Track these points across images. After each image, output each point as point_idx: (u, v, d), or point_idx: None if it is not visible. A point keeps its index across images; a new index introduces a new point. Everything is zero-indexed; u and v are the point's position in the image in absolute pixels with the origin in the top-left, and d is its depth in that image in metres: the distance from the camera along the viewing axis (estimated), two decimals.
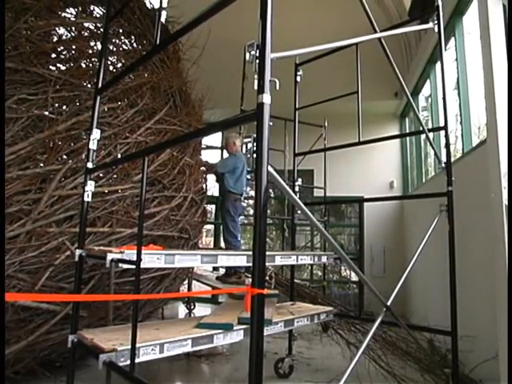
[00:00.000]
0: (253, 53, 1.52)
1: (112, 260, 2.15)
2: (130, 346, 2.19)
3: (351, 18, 6.46)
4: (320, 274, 7.51)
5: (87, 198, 2.57)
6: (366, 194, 6.86)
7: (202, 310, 6.61)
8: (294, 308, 3.64)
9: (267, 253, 3.17)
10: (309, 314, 3.42)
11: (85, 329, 2.56)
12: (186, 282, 5.19)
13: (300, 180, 5.99)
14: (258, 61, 1.49)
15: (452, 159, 3.42)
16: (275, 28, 1.53)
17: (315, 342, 5.00)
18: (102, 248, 2.48)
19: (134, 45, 3.85)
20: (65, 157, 3.01)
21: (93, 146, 2.63)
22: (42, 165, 2.87)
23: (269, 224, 8.40)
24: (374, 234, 7.26)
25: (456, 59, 4.47)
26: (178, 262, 2.42)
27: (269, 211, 8.40)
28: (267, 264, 3.43)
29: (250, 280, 1.34)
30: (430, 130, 3.32)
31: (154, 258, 2.27)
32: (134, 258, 2.21)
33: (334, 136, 6.17)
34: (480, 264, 3.75)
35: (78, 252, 2.52)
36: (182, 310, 6.91)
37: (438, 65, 5.45)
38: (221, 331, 2.68)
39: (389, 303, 2.85)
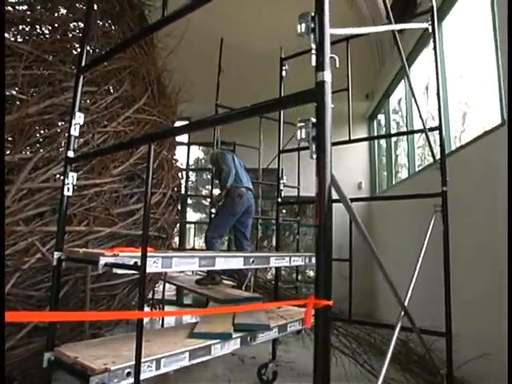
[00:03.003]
0: (304, 26, 1.26)
1: (106, 265, 1.80)
2: (123, 365, 1.86)
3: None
4: (284, 274, 7.35)
5: (67, 191, 2.18)
6: (333, 195, 6.77)
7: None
8: (282, 312, 3.40)
9: (260, 254, 2.92)
10: (300, 317, 3.20)
11: (62, 345, 2.16)
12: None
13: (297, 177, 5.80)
14: (314, 34, 1.24)
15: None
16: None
17: (292, 345, 4.80)
18: (89, 250, 2.10)
19: (113, 26, 3.44)
20: (37, 145, 2.57)
21: (74, 131, 2.24)
22: (8, 152, 2.42)
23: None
24: (343, 235, 7.19)
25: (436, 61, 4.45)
26: (175, 265, 2.11)
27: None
28: (262, 266, 3.19)
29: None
30: (430, 130, 3.21)
31: (150, 262, 1.95)
32: (130, 262, 1.88)
33: None
34: (463, 262, 3.71)
35: (56, 255, 2.12)
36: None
37: (414, 67, 5.46)
38: (218, 341, 2.39)
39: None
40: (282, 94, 4.17)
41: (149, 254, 2.01)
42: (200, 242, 9.78)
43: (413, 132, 3.69)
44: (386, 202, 5.64)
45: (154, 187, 3.48)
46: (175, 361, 2.11)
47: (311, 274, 8.18)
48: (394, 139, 6.34)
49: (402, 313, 2.26)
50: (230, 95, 5.50)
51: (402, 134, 4.42)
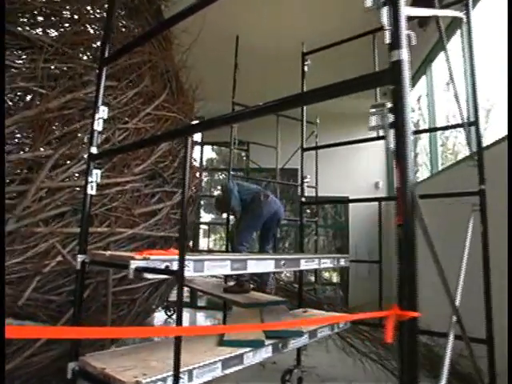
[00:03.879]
0: None
1: (136, 269, 1.63)
2: (154, 377, 1.70)
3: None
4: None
5: (91, 190, 2.03)
6: (350, 195, 6.60)
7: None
8: (309, 316, 3.23)
9: (290, 256, 2.75)
10: (329, 322, 3.02)
11: (87, 354, 2.00)
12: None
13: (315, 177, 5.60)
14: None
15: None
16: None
17: (313, 349, 4.61)
18: (116, 253, 1.95)
19: (131, 20, 3.28)
20: (57, 142, 2.41)
21: (98, 126, 2.09)
22: (28, 149, 2.27)
23: None
24: (359, 235, 7.01)
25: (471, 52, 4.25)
26: (207, 269, 1.94)
27: None
28: (293, 269, 3.02)
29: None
30: (458, 126, 3.02)
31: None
32: (161, 265, 1.72)
33: (324, 135, 5.85)
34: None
35: (80, 258, 1.97)
36: (159, 316, 6.30)
37: (435, 64, 5.27)
38: (250, 349, 2.22)
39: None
40: (305, 89, 4.00)
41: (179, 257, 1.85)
42: (212, 244, 9.63)
43: (447, 128, 3.49)
44: None
45: (175, 186, 3.33)
46: (208, 371, 1.95)
47: (326, 275, 7.99)
48: (412, 138, 6.14)
49: (454, 319, 2.06)
50: (245, 94, 5.33)
51: (436, 129, 4.21)
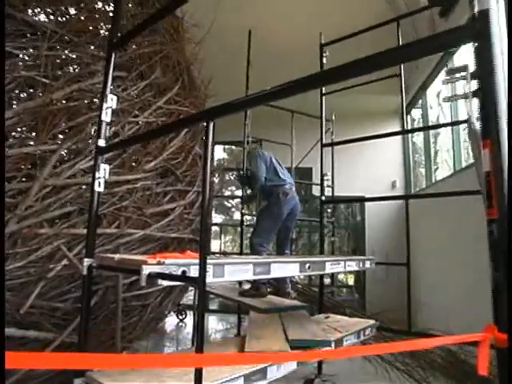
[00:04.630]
0: None
1: (150, 275, 1.42)
2: None
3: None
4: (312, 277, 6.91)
5: (98, 187, 1.82)
6: (367, 194, 6.35)
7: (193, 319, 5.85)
8: (332, 322, 2.98)
9: (315, 259, 2.51)
10: (356, 329, 2.78)
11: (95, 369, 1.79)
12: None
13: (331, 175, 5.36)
14: None
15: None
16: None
17: None
18: (126, 257, 1.74)
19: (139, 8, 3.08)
20: (62, 135, 2.22)
21: (106, 117, 1.88)
22: (31, 143, 2.08)
23: None
24: (376, 236, 6.75)
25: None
26: (228, 274, 1.72)
27: None
28: (318, 273, 2.78)
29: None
30: None
31: (198, 271, 1.57)
32: (177, 271, 1.50)
33: (339, 133, 5.60)
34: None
35: (86, 262, 1.76)
36: (171, 320, 6.09)
37: (457, 55, 5.00)
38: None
39: None
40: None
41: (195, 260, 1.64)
42: (225, 246, 9.43)
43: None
44: (424, 201, 5.16)
45: (187, 185, 3.12)
46: None
47: (340, 277, 7.72)
48: (432, 134, 5.87)
49: None
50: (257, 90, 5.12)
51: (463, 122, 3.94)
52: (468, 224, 4.37)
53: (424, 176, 6.52)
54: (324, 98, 3.85)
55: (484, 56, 0.76)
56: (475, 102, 0.78)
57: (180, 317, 6.13)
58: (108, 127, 1.90)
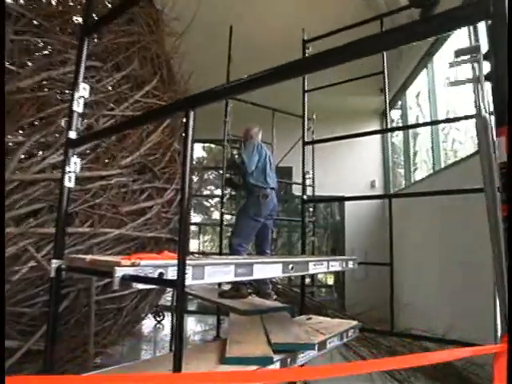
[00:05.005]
0: None
1: (123, 278, 1.29)
2: None
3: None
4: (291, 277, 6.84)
5: (69, 182, 1.68)
6: (346, 194, 6.31)
7: (170, 320, 5.68)
8: (315, 324, 2.91)
9: (298, 259, 2.43)
10: (338, 331, 2.71)
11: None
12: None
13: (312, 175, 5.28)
14: None
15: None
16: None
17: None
18: (97, 258, 1.60)
19: None
20: (30, 127, 2.05)
21: (78, 107, 1.74)
22: None
23: None
24: (356, 235, 6.74)
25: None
26: (208, 276, 1.61)
27: None
28: (301, 273, 2.69)
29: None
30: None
31: (176, 273, 1.45)
32: (154, 273, 1.38)
33: (320, 132, 5.55)
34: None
35: (54, 263, 1.62)
36: (149, 322, 5.91)
37: (437, 57, 5.02)
38: (256, 367, 1.89)
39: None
40: (306, 83, 3.69)
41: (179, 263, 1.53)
42: (203, 246, 9.27)
43: (459, 119, 3.21)
44: (404, 200, 5.16)
45: (166, 182, 2.98)
46: None
47: (320, 277, 7.69)
48: (411, 134, 5.90)
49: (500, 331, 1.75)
50: None
51: (449, 121, 3.93)
52: (447, 224, 4.39)
53: (403, 176, 6.56)
54: (306, 95, 3.77)
55: (499, 35, 0.68)
56: (487, 86, 0.70)
57: (158, 318, 5.96)
58: (80, 118, 1.75)
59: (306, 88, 3.64)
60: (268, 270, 2.01)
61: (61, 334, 2.21)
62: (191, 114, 1.20)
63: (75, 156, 1.72)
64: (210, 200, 10.26)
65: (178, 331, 1.14)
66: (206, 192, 9.71)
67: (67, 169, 1.68)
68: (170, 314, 6.11)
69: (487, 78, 0.70)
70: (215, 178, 9.14)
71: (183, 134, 1.21)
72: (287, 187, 7.34)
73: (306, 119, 3.62)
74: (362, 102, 6.70)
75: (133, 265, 1.36)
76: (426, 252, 5.07)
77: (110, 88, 2.45)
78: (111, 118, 2.47)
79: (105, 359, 3.51)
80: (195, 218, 9.83)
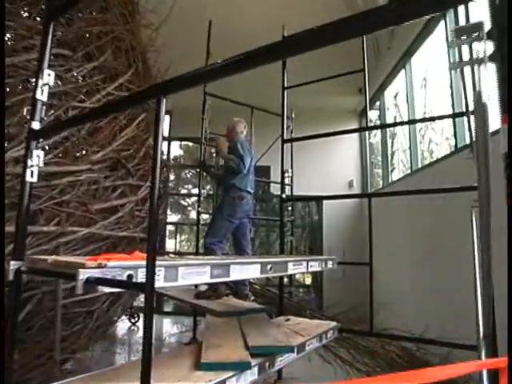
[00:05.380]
0: None
1: (88, 281, 1.17)
2: None
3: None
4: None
5: (31, 177, 1.54)
6: (324, 194, 6.28)
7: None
8: (293, 325, 2.83)
9: (276, 259, 2.35)
10: (317, 333, 2.64)
11: None
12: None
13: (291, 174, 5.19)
14: None
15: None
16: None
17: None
18: (61, 258, 1.47)
19: None
20: None
21: (41, 95, 1.61)
22: None
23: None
24: (333, 235, 6.73)
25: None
26: (182, 278, 1.51)
27: None
28: (280, 274, 2.61)
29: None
30: (461, 114, 2.73)
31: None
32: (123, 275, 1.27)
33: (299, 132, 5.48)
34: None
35: (13, 265, 1.48)
36: (123, 324, 5.72)
37: (415, 58, 5.05)
38: (233, 373, 1.80)
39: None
40: (285, 80, 3.62)
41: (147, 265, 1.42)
42: (180, 245, 9.08)
43: (442, 117, 3.21)
44: (383, 200, 5.17)
45: (140, 180, 2.85)
46: None
47: (297, 276, 7.64)
48: (389, 135, 5.93)
49: (482, 334, 1.71)
50: (219, 84, 4.89)
51: (429, 119, 3.90)
52: (424, 223, 4.41)
53: (380, 176, 6.59)
54: (286, 93, 3.69)
55: (503, 12, 0.61)
56: (489, 67, 0.63)
57: (132, 320, 5.77)
58: (44, 108, 1.62)
59: (285, 85, 3.57)
60: (246, 270, 1.92)
61: (24, 340, 2.06)
62: (163, 100, 1.09)
63: (39, 149, 1.58)
64: (187, 199, 10.07)
65: (146, 341, 1.03)
66: (183, 191, 9.53)
67: (29, 162, 1.55)
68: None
69: (491, 58, 0.63)
70: (192, 176, 8.97)
71: (154, 123, 1.11)
72: (265, 186, 7.27)
73: (285, 117, 3.54)
74: (341, 102, 6.70)
75: (99, 266, 1.24)
76: (402, 251, 5.10)
77: (80, 79, 2.30)
78: (82, 111, 2.32)
79: (75, 365, 3.35)
80: (172, 217, 9.64)
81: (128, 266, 1.30)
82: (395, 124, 5.11)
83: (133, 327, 5.72)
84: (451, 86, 3.89)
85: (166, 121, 6.87)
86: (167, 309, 6.71)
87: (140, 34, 3.52)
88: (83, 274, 1.18)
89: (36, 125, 1.58)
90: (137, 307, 5.68)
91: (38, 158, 1.55)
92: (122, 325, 5.70)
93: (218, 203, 3.46)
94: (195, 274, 1.59)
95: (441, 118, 3.08)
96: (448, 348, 2.88)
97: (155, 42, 3.85)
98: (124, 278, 1.28)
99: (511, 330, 1.74)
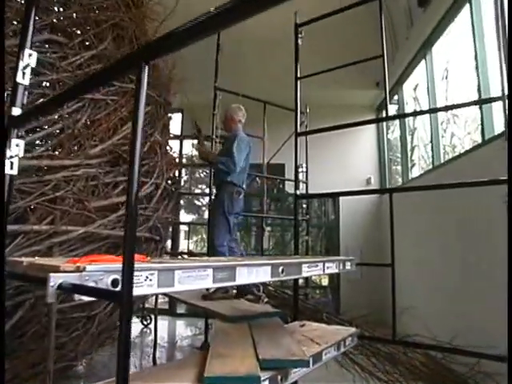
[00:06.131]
0: None
1: (60, 287, 0.98)
2: None
3: None
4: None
5: (10, 169, 1.37)
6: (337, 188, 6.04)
7: (158, 324, 5.33)
8: (309, 332, 2.60)
9: (289, 260, 2.13)
10: (335, 340, 2.41)
11: None
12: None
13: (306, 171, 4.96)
14: None
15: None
16: None
17: None
18: (37, 261, 1.29)
19: None
20: None
21: (22, 79, 1.43)
22: None
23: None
24: (350, 234, 6.45)
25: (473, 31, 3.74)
26: (179, 282, 1.30)
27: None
28: (293, 277, 2.39)
29: None
30: (494, 100, 2.46)
31: (140, 279, 1.15)
32: (107, 280, 1.07)
33: (312, 127, 5.25)
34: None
35: None
36: (136, 327, 5.58)
37: (436, 48, 4.75)
38: None
39: None
40: (298, 69, 3.38)
41: (137, 264, 1.22)
42: (193, 246, 8.94)
43: (469, 104, 2.89)
44: (400, 199, 4.88)
45: (144, 176, 2.67)
46: None
47: (314, 277, 7.38)
48: (408, 131, 5.63)
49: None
50: (229, 79, 4.69)
51: (453, 107, 3.56)
52: (448, 222, 4.11)
53: (400, 173, 6.29)
54: (299, 87, 3.44)
55: None
56: None
57: (144, 322, 5.63)
58: (26, 92, 1.44)
59: (298, 75, 3.34)
60: (254, 273, 1.70)
61: (15, 348, 1.89)
62: (145, 68, 0.89)
63: (20, 138, 1.41)
64: (201, 199, 9.94)
65: (121, 363, 0.83)
66: (197, 191, 9.39)
67: (8, 153, 1.37)
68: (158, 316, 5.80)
69: None
70: (206, 176, 8.81)
71: (135, 96, 0.91)
72: (279, 185, 7.05)
73: (298, 108, 3.31)
74: (358, 97, 6.41)
75: (77, 270, 1.05)
76: (425, 252, 4.80)
77: (76, 67, 2.13)
78: (78, 102, 2.15)
79: (80, 370, 3.20)
80: (186, 217, 9.52)
81: (112, 269, 1.10)
82: (416, 113, 4.81)
83: (145, 329, 5.57)
84: (477, 68, 3.59)
85: (177, 118, 6.72)
86: (180, 310, 6.54)
87: (145, 25, 3.35)
88: (55, 280, 0.98)
89: (16, 111, 1.41)
90: (150, 308, 5.54)
91: (17, 147, 1.37)
92: (135, 327, 5.57)
93: (214, 202, 3.29)
94: (195, 278, 1.38)
95: (467, 105, 2.80)
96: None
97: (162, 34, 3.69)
98: (108, 283, 1.08)
99: (511, 330, 1.51)
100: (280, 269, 1.84)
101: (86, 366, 3.42)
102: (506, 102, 2.38)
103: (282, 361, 1.82)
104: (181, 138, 6.55)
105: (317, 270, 2.23)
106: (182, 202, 8.36)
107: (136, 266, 1.19)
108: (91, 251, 2.16)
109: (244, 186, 3.28)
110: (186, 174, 8.39)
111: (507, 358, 1.61)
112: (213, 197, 3.68)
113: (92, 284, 1.05)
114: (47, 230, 1.86)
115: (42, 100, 2.06)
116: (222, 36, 4.64)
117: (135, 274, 1.15)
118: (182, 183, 7.80)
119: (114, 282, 1.08)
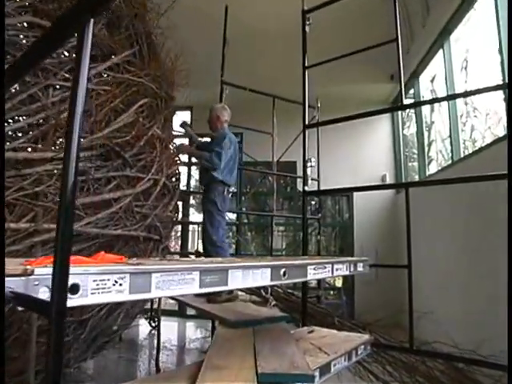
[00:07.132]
0: None
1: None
2: None
3: None
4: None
5: None
6: (347, 183, 5.78)
7: (167, 326, 5.17)
8: (317, 339, 2.38)
9: (292, 262, 1.93)
10: (345, 350, 2.18)
11: None
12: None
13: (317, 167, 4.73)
14: None
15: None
16: None
17: None
18: None
19: None
20: None
21: None
22: None
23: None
24: (365, 234, 6.17)
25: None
26: (156, 287, 1.11)
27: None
28: (297, 280, 2.17)
29: None
30: None
31: (107, 283, 0.97)
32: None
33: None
34: None
35: None
36: (143, 329, 5.44)
37: (454, 35, 4.46)
38: None
39: None
40: (306, 59, 3.16)
41: (104, 267, 1.04)
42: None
43: (492, 89, 2.60)
44: (417, 196, 4.60)
45: (140, 171, 2.50)
46: None
47: (328, 278, 7.12)
48: (425, 126, 5.34)
49: None
50: (235, 73, 4.49)
51: (475, 92, 3.23)
52: (470, 220, 3.82)
53: (415, 170, 5.99)
54: (307, 81, 3.19)
55: None
56: None
57: (152, 324, 5.47)
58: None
59: (306, 64, 3.11)
60: (251, 277, 1.50)
61: None
62: (90, 24, 0.71)
63: None
64: None
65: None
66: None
67: None
68: (168, 318, 5.66)
69: None
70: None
71: (76, 54, 0.72)
72: (291, 183, 6.83)
73: (306, 99, 3.10)
74: (372, 91, 6.12)
75: (24, 273, 0.87)
76: (445, 253, 4.51)
77: (61, 53, 1.97)
78: (65, 91, 1.99)
79: (77, 374, 3.06)
80: (198, 217, 9.36)
81: (71, 272, 0.91)
82: (434, 100, 4.51)
83: (153, 331, 5.42)
84: (500, 51, 3.32)
85: (186, 116, 6.56)
86: (190, 312, 6.38)
87: (145, 15, 3.19)
88: None
89: None
90: (156, 310, 5.38)
91: None
92: (142, 329, 5.43)
93: (205, 201, 3.10)
94: (178, 283, 1.19)
95: (490, 89, 2.52)
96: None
97: (164, 25, 3.51)
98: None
99: (511, 330, 1.29)
100: (282, 271, 1.63)
101: (80, 372, 3.26)
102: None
103: (282, 375, 1.61)
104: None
105: (324, 273, 2.01)
106: (193, 201, 8.19)
107: (102, 268, 1.03)
108: (79, 251, 1.99)
109: (233, 188, 3.28)
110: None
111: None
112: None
113: (43, 290, 0.87)
114: (27, 228, 1.69)
115: None
116: (228, 29, 4.45)
117: (101, 277, 0.98)
118: (194, 182, 7.63)
119: (74, 288, 0.90)
